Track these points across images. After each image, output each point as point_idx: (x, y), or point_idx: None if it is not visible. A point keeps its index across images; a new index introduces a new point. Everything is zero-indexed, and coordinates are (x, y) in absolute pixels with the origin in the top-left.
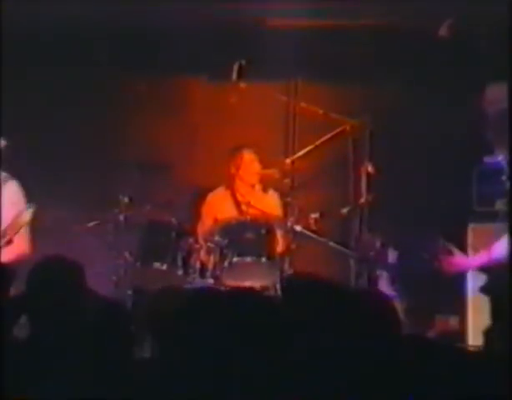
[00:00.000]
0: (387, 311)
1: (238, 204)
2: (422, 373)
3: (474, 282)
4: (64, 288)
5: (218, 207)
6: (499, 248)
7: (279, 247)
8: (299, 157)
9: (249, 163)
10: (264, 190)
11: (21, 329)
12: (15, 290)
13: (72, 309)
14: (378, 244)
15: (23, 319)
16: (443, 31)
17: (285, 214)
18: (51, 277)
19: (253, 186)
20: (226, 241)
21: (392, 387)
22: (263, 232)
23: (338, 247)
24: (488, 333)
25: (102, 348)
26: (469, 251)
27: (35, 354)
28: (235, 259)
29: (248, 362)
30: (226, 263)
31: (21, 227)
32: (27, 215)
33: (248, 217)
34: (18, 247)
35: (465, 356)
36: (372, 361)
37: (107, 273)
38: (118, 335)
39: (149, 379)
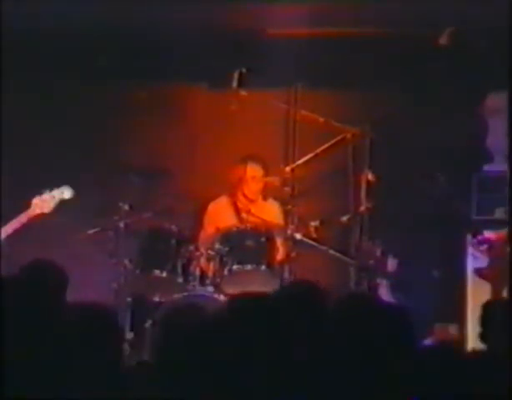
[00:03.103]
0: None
1: (238, 212)
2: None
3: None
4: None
5: (219, 216)
6: None
7: (279, 255)
8: (299, 165)
9: (252, 178)
10: (265, 198)
11: None
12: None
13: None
14: (378, 252)
15: None
16: (443, 39)
17: (285, 222)
18: (34, 281)
19: (254, 197)
20: (226, 249)
21: (392, 388)
22: (263, 240)
23: (339, 255)
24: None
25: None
26: (469, 258)
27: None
28: (235, 267)
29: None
30: (226, 271)
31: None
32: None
33: (249, 225)
34: None
35: (465, 358)
36: (371, 363)
37: (107, 280)
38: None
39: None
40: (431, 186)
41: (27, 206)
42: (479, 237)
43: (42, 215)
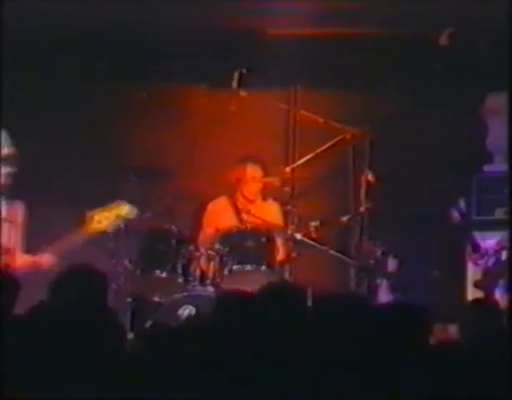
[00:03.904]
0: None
1: (238, 212)
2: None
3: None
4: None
5: (219, 216)
6: None
7: (279, 255)
8: (299, 166)
9: (252, 178)
10: (265, 198)
11: None
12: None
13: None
14: (378, 252)
15: None
16: (443, 40)
17: (285, 222)
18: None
19: (254, 197)
20: (226, 249)
21: (392, 388)
22: (264, 240)
23: (339, 255)
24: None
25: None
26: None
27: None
28: (235, 267)
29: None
30: (226, 271)
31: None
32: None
33: (249, 226)
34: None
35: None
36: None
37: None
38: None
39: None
40: (455, 212)
41: (83, 219)
42: (473, 244)
43: (99, 231)
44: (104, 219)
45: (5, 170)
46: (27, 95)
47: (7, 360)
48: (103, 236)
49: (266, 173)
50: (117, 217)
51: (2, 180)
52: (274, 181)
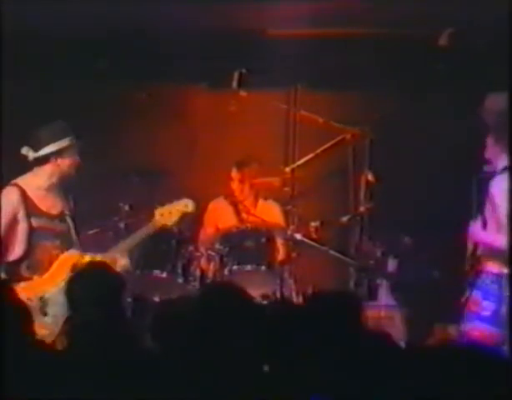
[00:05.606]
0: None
1: (238, 213)
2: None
3: None
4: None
5: (220, 216)
6: None
7: (279, 255)
8: (299, 166)
9: (248, 181)
10: (265, 198)
11: None
12: None
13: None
14: (378, 253)
15: None
16: (443, 40)
17: (286, 223)
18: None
19: (253, 196)
20: (226, 249)
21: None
22: (264, 240)
23: (339, 255)
24: None
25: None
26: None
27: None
28: (235, 267)
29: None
30: (226, 271)
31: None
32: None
33: (249, 226)
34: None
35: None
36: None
37: None
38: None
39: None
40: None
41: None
42: None
43: (165, 227)
44: (169, 214)
45: (67, 161)
46: (28, 95)
47: (8, 359)
48: (103, 235)
49: (261, 166)
50: (183, 213)
51: (66, 171)
52: (274, 181)
